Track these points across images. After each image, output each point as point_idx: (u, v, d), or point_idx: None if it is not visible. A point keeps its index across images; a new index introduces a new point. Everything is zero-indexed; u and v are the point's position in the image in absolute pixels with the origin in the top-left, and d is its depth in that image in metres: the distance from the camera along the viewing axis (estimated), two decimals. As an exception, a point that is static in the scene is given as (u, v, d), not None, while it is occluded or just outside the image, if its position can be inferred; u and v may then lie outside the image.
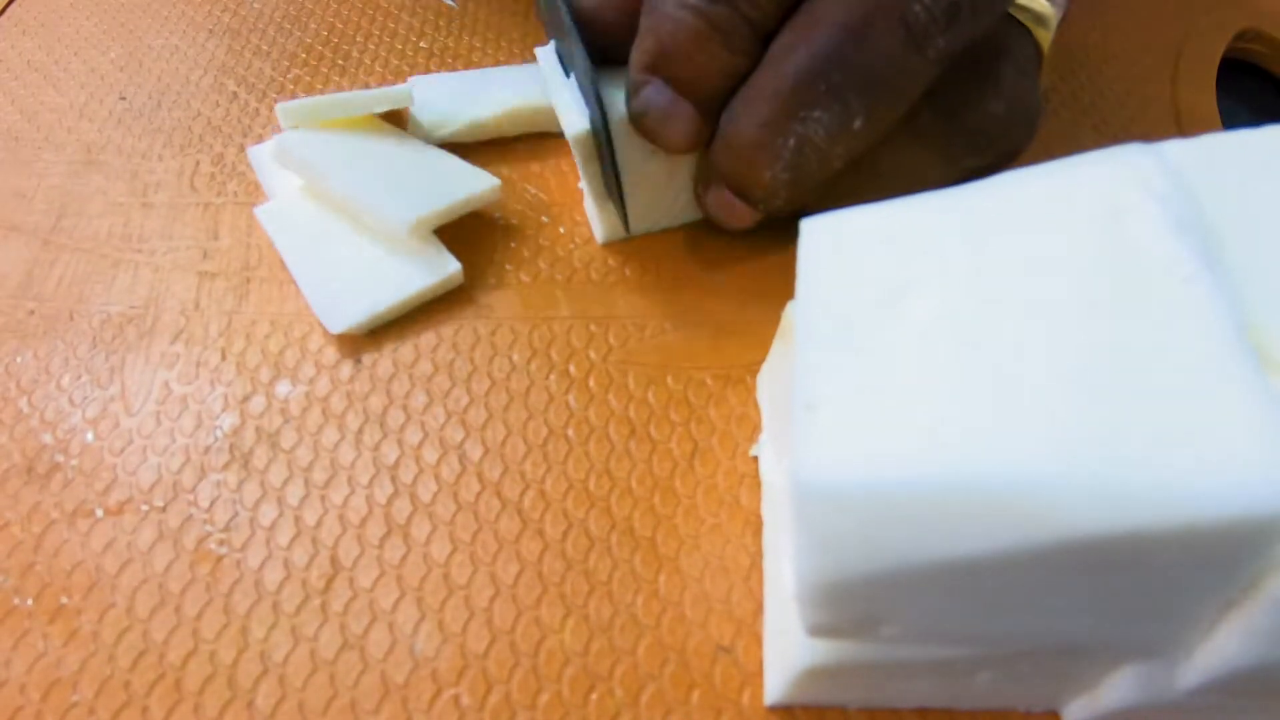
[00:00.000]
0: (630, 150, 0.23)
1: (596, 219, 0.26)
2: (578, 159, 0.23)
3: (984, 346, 0.12)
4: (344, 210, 0.25)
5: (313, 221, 0.25)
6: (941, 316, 0.12)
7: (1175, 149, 0.14)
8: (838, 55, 0.19)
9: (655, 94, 0.21)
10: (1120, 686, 0.15)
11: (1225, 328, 0.11)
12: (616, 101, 0.22)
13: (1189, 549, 0.10)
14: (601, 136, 0.22)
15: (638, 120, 0.22)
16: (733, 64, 0.21)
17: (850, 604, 0.13)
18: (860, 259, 0.14)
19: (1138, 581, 0.11)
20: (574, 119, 0.22)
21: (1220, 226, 0.13)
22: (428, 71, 0.31)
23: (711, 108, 0.21)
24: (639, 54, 0.21)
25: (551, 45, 0.24)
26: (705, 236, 0.26)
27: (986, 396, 0.11)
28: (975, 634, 0.13)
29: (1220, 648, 0.12)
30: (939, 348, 0.12)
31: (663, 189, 0.24)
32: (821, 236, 0.15)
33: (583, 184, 0.25)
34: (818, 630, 0.14)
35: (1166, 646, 0.13)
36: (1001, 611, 0.12)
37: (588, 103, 0.22)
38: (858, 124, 0.20)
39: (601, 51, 0.22)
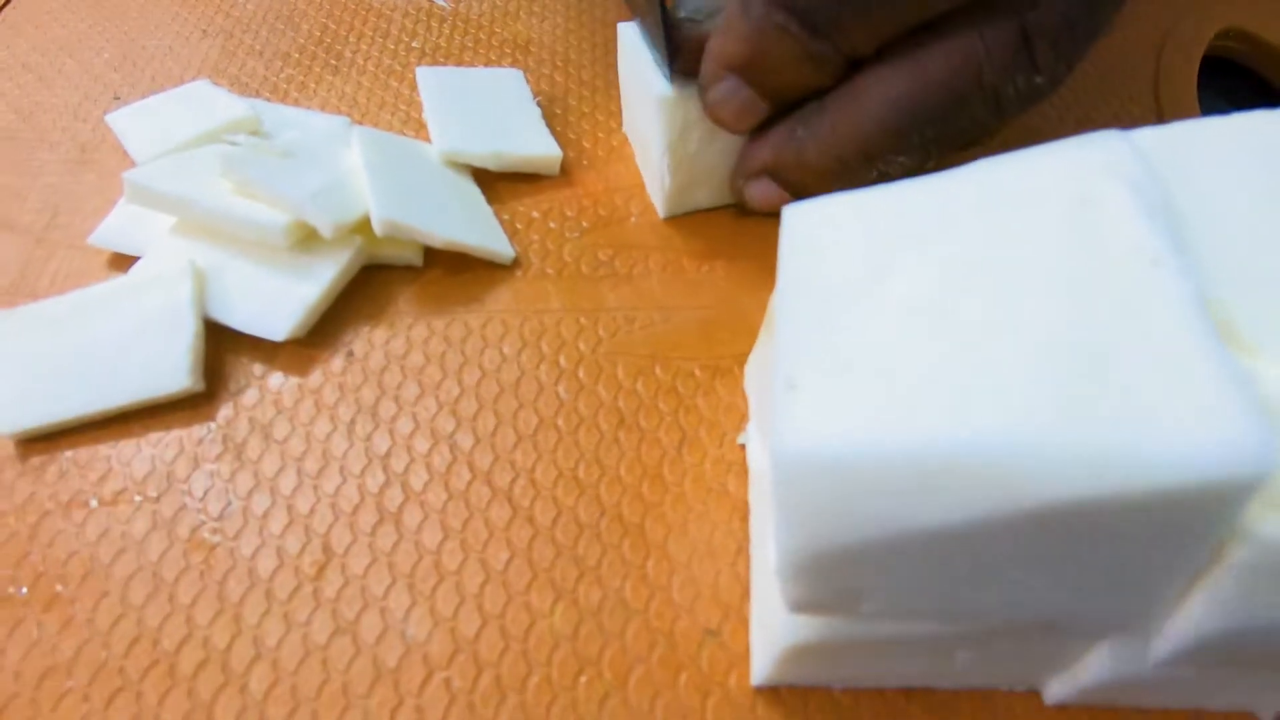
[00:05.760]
0: (674, 132, 0.24)
1: (660, 195, 0.26)
2: (659, 126, 0.24)
3: (958, 324, 0.12)
4: (222, 231, 0.24)
5: (200, 255, 0.24)
6: (918, 297, 0.13)
7: (1147, 136, 0.14)
8: (934, 116, 0.21)
9: (735, 89, 0.22)
10: (1097, 663, 0.15)
11: (1190, 306, 0.11)
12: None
13: (1154, 515, 0.10)
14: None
15: (712, 109, 0.23)
16: (819, 81, 0.22)
17: (830, 577, 0.13)
18: (840, 243, 0.14)
19: (1106, 550, 0.11)
20: (660, 86, 0.23)
21: (1188, 210, 0.13)
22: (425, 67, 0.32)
23: (783, 106, 0.23)
24: (724, 51, 0.22)
25: (634, 23, 0.25)
26: (694, 231, 0.26)
27: (960, 371, 0.12)
28: (952, 608, 0.13)
29: (1188, 618, 0.12)
30: (915, 326, 0.12)
31: (703, 175, 0.25)
32: (803, 223, 0.15)
33: (644, 159, 0.26)
34: (799, 605, 0.14)
35: (1138, 620, 0.13)
36: (977, 584, 0.13)
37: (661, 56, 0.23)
38: (930, 165, 0.22)
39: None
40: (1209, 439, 0.10)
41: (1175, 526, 0.11)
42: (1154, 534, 0.11)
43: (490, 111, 0.29)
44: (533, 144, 0.28)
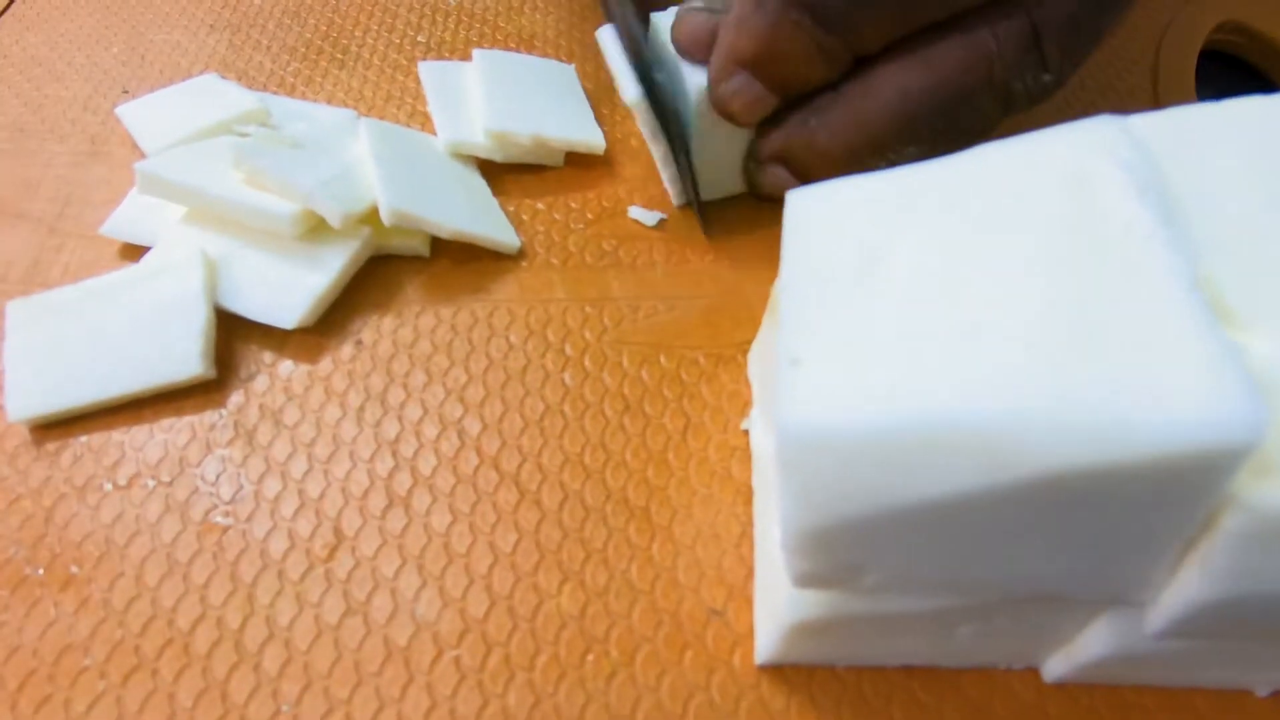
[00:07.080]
0: (698, 124, 0.24)
1: (674, 184, 0.27)
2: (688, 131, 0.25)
3: (957, 302, 0.12)
4: (232, 220, 0.24)
5: (210, 245, 0.24)
6: (918, 276, 0.13)
7: (1142, 120, 0.15)
8: (944, 109, 0.22)
9: (746, 84, 0.23)
10: (1096, 639, 0.16)
11: (1180, 281, 0.12)
12: (693, 77, 0.24)
13: (1147, 484, 0.11)
14: (670, 113, 0.24)
15: (722, 103, 0.23)
16: (827, 76, 0.23)
17: (833, 550, 0.13)
18: (842, 226, 0.15)
19: (1101, 520, 0.12)
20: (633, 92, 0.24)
21: (1181, 190, 0.13)
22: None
23: (789, 100, 0.24)
24: (736, 47, 0.22)
25: (612, 28, 0.26)
26: (697, 223, 0.26)
27: (959, 346, 0.12)
28: (952, 581, 0.14)
29: (1182, 588, 0.13)
30: (915, 304, 0.13)
31: (712, 165, 0.26)
32: (807, 206, 0.15)
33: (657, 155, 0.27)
34: (803, 580, 0.14)
35: (1135, 590, 0.13)
36: (976, 555, 0.13)
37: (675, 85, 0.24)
38: (937, 155, 0.23)
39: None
40: (1199, 409, 0.10)
41: (1168, 495, 0.11)
42: (1147, 503, 0.11)
43: (540, 96, 0.29)
44: (578, 130, 0.28)
